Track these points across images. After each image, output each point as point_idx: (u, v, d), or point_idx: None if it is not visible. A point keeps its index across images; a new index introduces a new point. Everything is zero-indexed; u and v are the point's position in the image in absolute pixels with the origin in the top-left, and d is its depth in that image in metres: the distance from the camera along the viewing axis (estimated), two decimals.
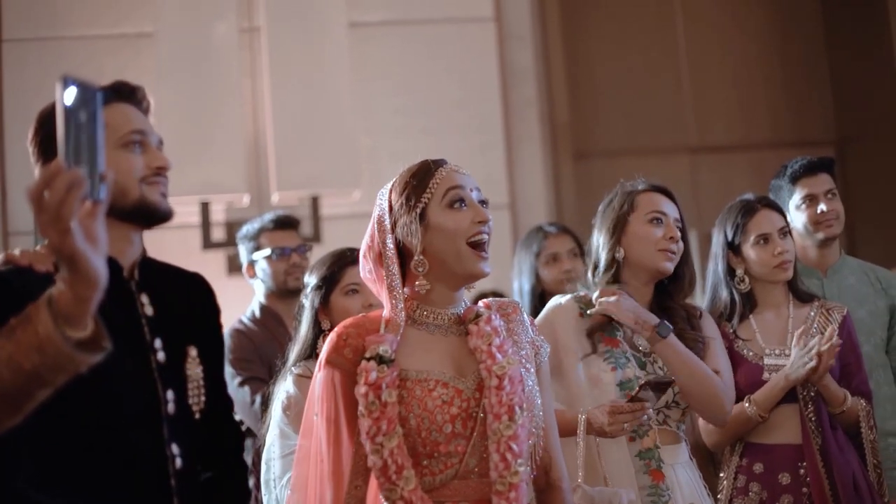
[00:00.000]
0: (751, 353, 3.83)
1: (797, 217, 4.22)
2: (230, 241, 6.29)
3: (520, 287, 5.07)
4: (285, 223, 5.05)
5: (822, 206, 4.18)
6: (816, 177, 4.24)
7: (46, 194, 1.73)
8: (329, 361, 2.57)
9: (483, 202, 2.69)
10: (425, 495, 2.50)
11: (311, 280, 3.64)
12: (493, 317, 2.67)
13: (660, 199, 3.54)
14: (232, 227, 6.33)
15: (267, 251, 4.90)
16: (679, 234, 3.51)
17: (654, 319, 3.38)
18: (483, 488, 2.55)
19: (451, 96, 6.71)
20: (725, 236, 3.94)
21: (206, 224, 6.27)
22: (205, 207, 6.27)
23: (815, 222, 4.19)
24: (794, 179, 4.24)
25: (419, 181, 2.67)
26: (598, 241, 3.54)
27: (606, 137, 7.56)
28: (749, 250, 3.89)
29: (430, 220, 2.63)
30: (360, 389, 2.49)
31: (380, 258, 2.68)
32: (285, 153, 6.21)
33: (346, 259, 3.65)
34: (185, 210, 6.21)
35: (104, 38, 6.49)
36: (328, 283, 3.59)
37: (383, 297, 2.67)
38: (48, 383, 1.87)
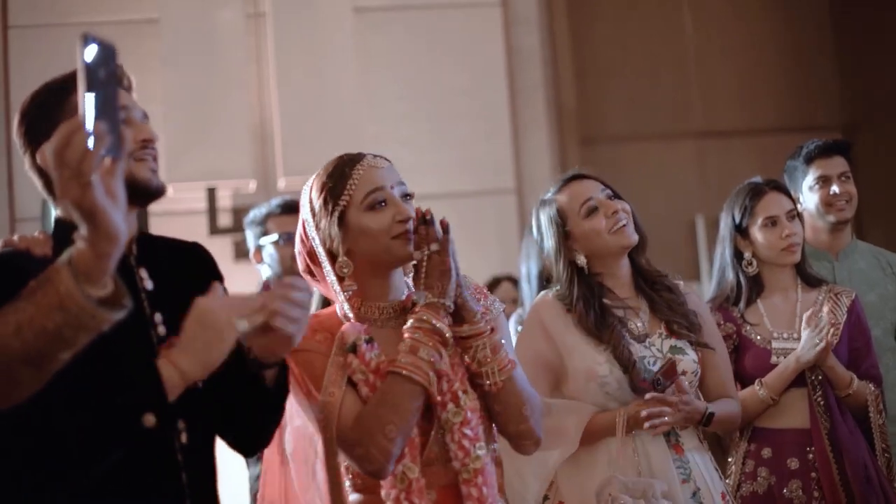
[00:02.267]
0: (759, 338, 3.82)
1: (809, 198, 4.20)
2: (237, 227, 6.29)
3: (528, 271, 5.07)
4: (293, 208, 5.04)
5: (834, 188, 4.16)
6: (831, 159, 4.21)
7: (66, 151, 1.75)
8: (301, 348, 2.44)
9: (407, 196, 2.63)
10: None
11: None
12: None
13: (578, 187, 3.45)
14: (238, 213, 6.33)
15: (274, 236, 4.89)
16: (616, 202, 3.41)
17: (702, 408, 3.33)
18: (448, 474, 2.54)
19: (456, 81, 6.70)
20: (733, 219, 3.92)
21: (212, 210, 6.27)
22: (211, 193, 6.27)
23: (827, 204, 4.17)
24: (809, 160, 4.22)
25: (335, 183, 2.61)
26: (551, 258, 3.45)
27: (613, 123, 7.54)
28: (757, 233, 3.87)
29: (350, 222, 2.58)
30: (369, 378, 2.48)
31: (313, 257, 2.65)
32: (291, 138, 6.21)
33: None
34: (191, 196, 6.22)
35: (110, 24, 6.47)
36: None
37: (329, 294, 2.66)
38: (71, 343, 1.88)
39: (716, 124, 7.71)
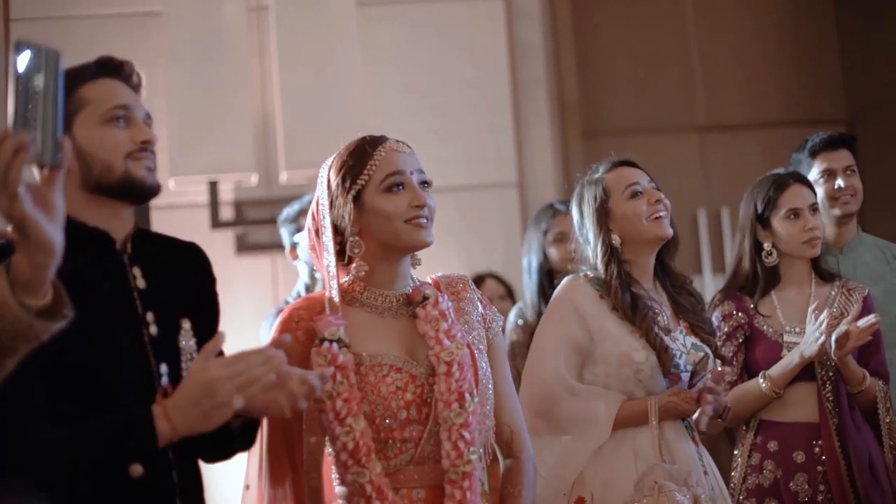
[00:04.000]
0: (770, 330, 3.82)
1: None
2: (239, 221, 6.30)
3: (528, 264, 5.06)
4: None
5: (839, 182, 4.16)
6: (836, 152, 4.21)
7: None
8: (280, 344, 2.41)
9: (424, 183, 2.63)
10: (388, 480, 2.49)
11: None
12: (441, 298, 2.62)
13: (627, 171, 3.48)
14: (240, 207, 6.34)
15: None
16: (659, 192, 3.46)
17: (724, 402, 3.36)
18: (439, 474, 2.52)
19: (459, 75, 6.69)
20: (755, 209, 3.92)
21: (214, 203, 6.26)
22: (213, 187, 6.26)
23: (832, 198, 4.17)
24: (814, 153, 4.22)
25: (356, 161, 2.61)
26: (589, 237, 3.48)
27: (615, 116, 7.52)
28: (778, 224, 3.87)
29: (366, 202, 2.58)
30: (327, 371, 2.41)
31: (319, 234, 2.64)
32: (294, 132, 6.20)
33: None
34: (193, 189, 6.21)
35: (113, 18, 6.46)
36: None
37: (324, 276, 2.63)
38: (11, 352, 1.87)
39: (719, 118, 7.69)
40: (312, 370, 2.40)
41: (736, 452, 3.83)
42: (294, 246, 4.98)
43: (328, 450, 2.54)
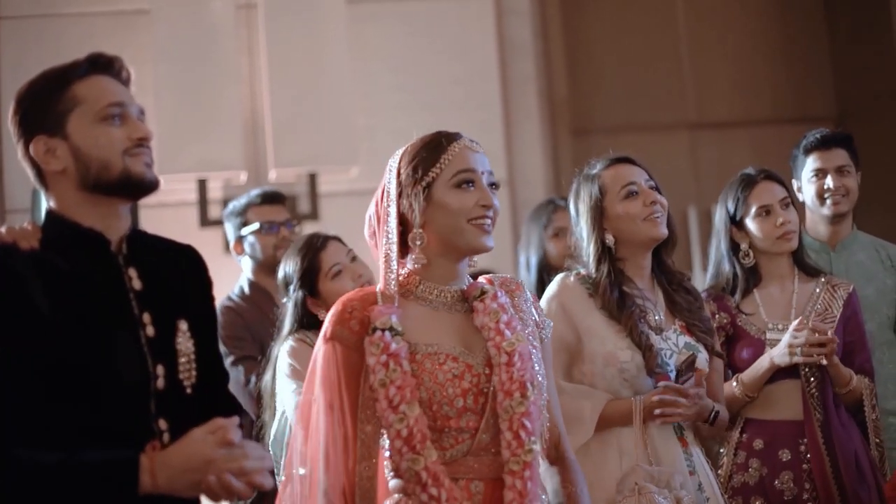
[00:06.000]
0: (754, 328, 3.82)
1: (807, 190, 4.20)
2: None
3: (526, 260, 5.07)
4: (273, 198, 5.02)
5: (828, 182, 4.15)
6: (830, 151, 4.20)
7: None
8: (333, 335, 2.53)
9: (493, 185, 2.64)
10: (445, 468, 2.48)
11: (291, 279, 3.63)
12: (499, 293, 2.64)
13: (624, 169, 3.47)
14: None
15: (255, 225, 4.87)
16: (655, 193, 3.45)
17: (710, 406, 3.38)
18: (497, 467, 2.53)
19: (449, 73, 6.68)
20: (727, 211, 3.92)
21: (203, 201, 6.25)
22: (202, 185, 6.25)
23: (820, 196, 4.17)
24: (807, 151, 4.22)
25: (430, 154, 2.62)
26: (583, 234, 3.47)
27: (605, 113, 7.52)
28: (751, 223, 3.86)
29: (434, 195, 2.59)
30: (381, 358, 2.45)
31: (381, 223, 2.64)
32: (283, 130, 6.20)
33: (315, 245, 3.66)
34: (182, 187, 6.20)
35: (102, 16, 6.45)
36: (310, 274, 3.59)
37: (380, 266, 2.64)
38: None
39: (709, 115, 7.69)
40: (366, 359, 2.47)
41: (722, 451, 3.82)
42: (239, 240, 4.95)
43: (384, 441, 2.54)
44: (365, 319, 2.53)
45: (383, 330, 2.49)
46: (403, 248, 2.64)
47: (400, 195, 2.62)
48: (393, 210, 2.61)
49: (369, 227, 2.71)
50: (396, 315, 2.53)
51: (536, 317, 2.76)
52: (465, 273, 2.69)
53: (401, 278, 2.63)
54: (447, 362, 2.53)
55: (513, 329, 2.58)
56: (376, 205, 2.68)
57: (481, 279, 2.72)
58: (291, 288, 3.62)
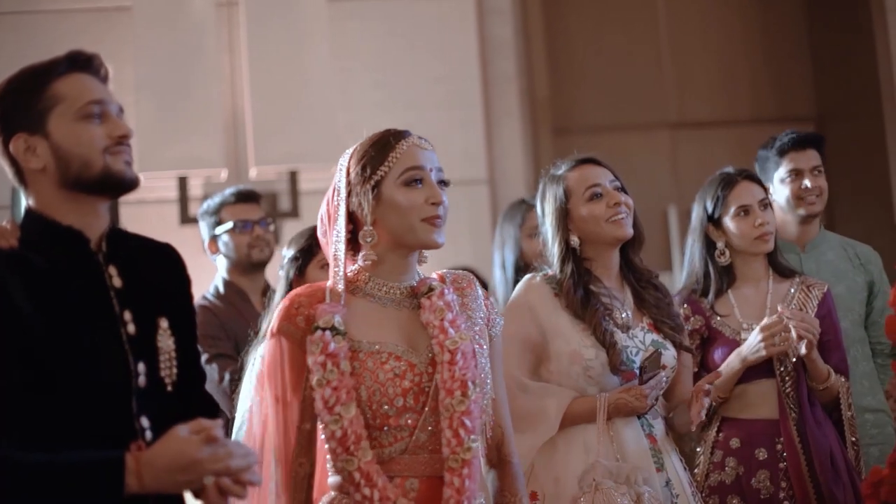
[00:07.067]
0: (728, 329, 3.83)
1: (780, 191, 4.21)
2: None
3: (502, 259, 5.06)
4: (247, 196, 5.00)
5: (806, 182, 4.18)
6: (804, 152, 4.23)
7: None
8: (280, 330, 2.57)
9: (443, 182, 2.66)
10: (379, 468, 2.50)
11: (288, 252, 3.64)
12: (446, 291, 2.65)
13: (589, 171, 3.50)
14: None
15: (230, 224, 4.85)
16: (620, 194, 3.47)
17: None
18: (433, 464, 2.54)
19: (429, 71, 6.68)
20: (705, 209, 3.93)
21: (183, 199, 6.24)
22: (182, 182, 6.24)
23: (798, 197, 4.18)
24: (782, 152, 4.23)
25: (378, 152, 2.64)
26: (548, 235, 3.50)
27: (586, 113, 7.54)
28: (729, 223, 3.87)
29: (383, 193, 2.60)
30: (318, 358, 2.47)
31: (331, 221, 2.66)
32: (263, 128, 6.19)
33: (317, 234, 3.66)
34: (162, 185, 6.19)
35: (81, 13, 6.44)
36: (305, 256, 3.61)
37: (330, 260, 2.66)
38: None
39: (690, 115, 7.72)
40: (307, 358, 2.48)
41: (698, 450, 3.84)
42: (214, 239, 4.93)
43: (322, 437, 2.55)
44: (311, 316, 2.55)
45: (325, 329, 2.51)
46: (355, 246, 2.66)
47: (349, 194, 2.64)
48: (342, 209, 2.64)
49: (321, 226, 2.72)
50: (340, 314, 2.54)
51: (487, 313, 2.76)
52: (414, 268, 2.70)
53: (350, 275, 2.65)
54: (389, 361, 2.54)
55: (457, 327, 2.58)
56: (327, 204, 2.70)
57: (433, 275, 2.74)
58: (285, 261, 3.63)
